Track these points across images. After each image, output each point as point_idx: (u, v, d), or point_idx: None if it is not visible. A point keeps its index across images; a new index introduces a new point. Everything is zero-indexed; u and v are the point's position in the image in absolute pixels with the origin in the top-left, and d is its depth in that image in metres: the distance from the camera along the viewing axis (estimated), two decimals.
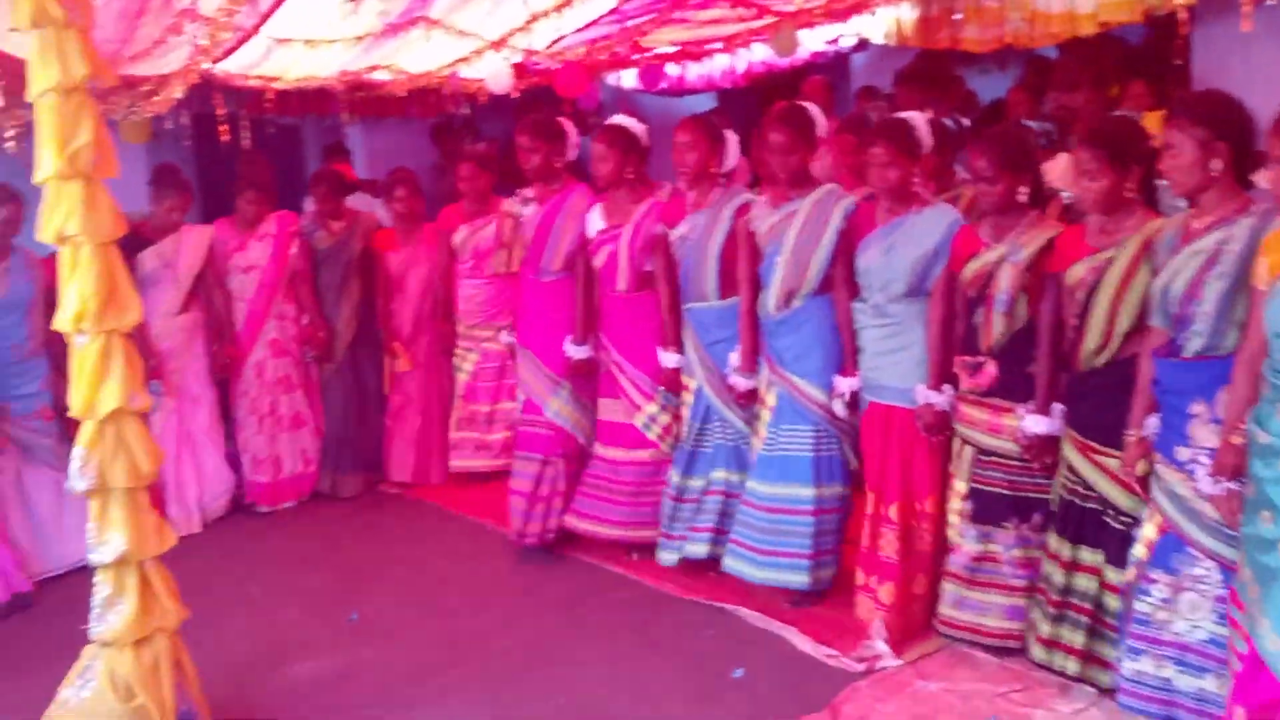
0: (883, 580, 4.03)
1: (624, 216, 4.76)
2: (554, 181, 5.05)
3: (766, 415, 4.34)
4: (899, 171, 3.95)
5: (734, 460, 4.53)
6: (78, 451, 3.19)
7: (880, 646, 3.91)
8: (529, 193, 5.14)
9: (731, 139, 4.65)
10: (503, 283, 5.95)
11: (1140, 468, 3.31)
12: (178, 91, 4.99)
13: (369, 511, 6.02)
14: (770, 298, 4.27)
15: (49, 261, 5.13)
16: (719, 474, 4.55)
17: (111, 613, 3.27)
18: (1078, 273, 3.47)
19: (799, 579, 4.22)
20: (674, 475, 4.64)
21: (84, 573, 5.03)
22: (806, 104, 4.48)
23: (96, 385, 3.15)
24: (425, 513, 5.96)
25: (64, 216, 3.10)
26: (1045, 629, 3.59)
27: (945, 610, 3.88)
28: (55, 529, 5.09)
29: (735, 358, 4.44)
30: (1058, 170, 5.07)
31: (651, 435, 4.79)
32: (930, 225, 3.95)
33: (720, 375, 4.51)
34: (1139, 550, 3.26)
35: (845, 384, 4.17)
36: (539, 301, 5.11)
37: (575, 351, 4.96)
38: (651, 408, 4.78)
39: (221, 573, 5.07)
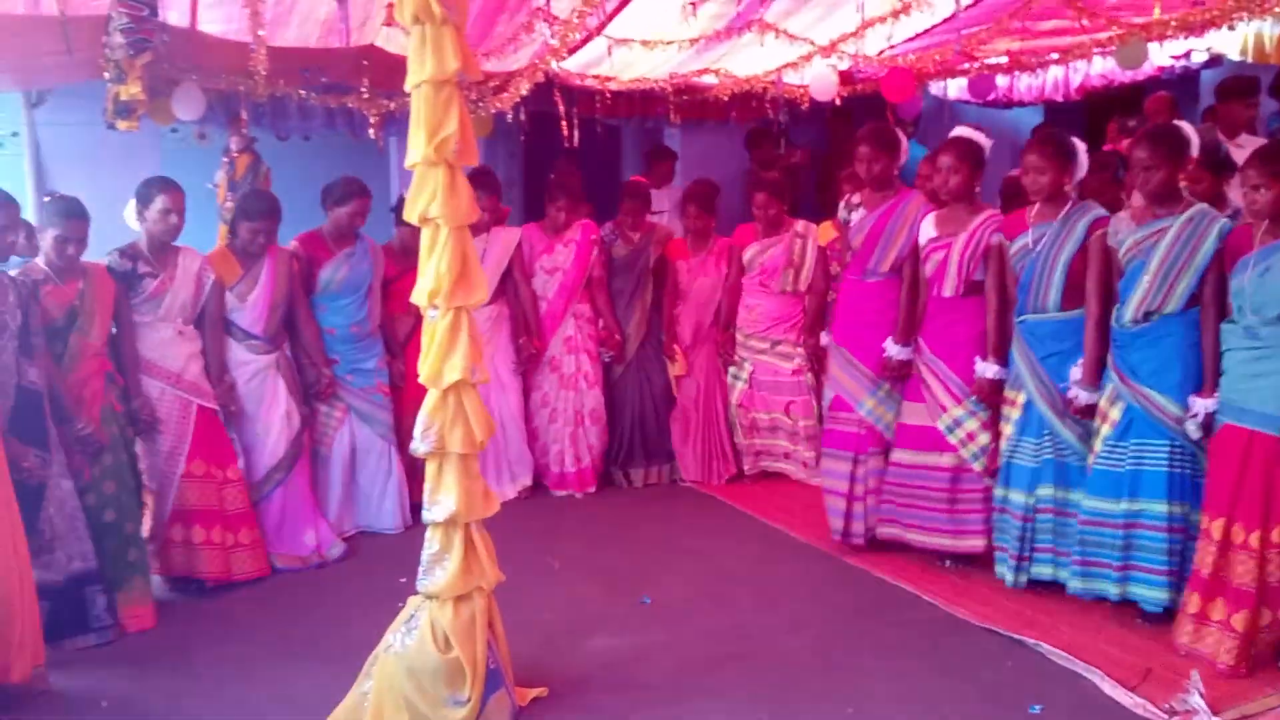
0: (1236, 608, 3.85)
1: (959, 226, 4.79)
2: (887, 188, 5.10)
3: (1106, 429, 4.27)
4: (1271, 195, 3.79)
5: (1061, 476, 4.49)
6: (422, 417, 3.46)
7: (1196, 701, 3.64)
8: (855, 199, 5.17)
9: (1081, 152, 4.55)
10: (786, 299, 6.24)
11: None
12: (524, 88, 5.29)
13: (660, 501, 6.21)
14: (1128, 311, 4.19)
15: (387, 249, 5.65)
16: (1046, 490, 4.51)
17: (438, 568, 3.52)
18: None
19: (1158, 595, 4.18)
20: (996, 487, 4.68)
21: (396, 535, 5.56)
22: (1180, 123, 4.36)
23: (443, 357, 3.41)
24: (714, 507, 6.08)
25: (428, 199, 3.36)
26: None
27: None
28: (375, 493, 5.63)
29: (1077, 371, 4.39)
30: None
31: (953, 439, 4.80)
32: None
33: (1055, 388, 4.46)
34: None
35: (1201, 404, 4.05)
36: (861, 302, 5.17)
37: (896, 352, 5.01)
38: (958, 411, 4.79)
39: (524, 545, 5.33)
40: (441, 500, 3.49)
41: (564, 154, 7.22)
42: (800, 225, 6.25)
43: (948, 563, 4.90)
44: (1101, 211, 4.45)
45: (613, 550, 5.37)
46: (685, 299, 6.45)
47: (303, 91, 5.64)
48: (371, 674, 3.59)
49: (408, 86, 3.37)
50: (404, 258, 5.72)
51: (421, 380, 3.45)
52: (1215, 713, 3.60)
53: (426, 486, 3.52)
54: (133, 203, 4.74)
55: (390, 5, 4.98)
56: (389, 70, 5.55)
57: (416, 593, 3.58)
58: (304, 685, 3.94)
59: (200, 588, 4.86)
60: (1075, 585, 4.37)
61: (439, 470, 3.49)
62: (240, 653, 4.28)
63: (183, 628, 4.54)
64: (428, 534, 3.55)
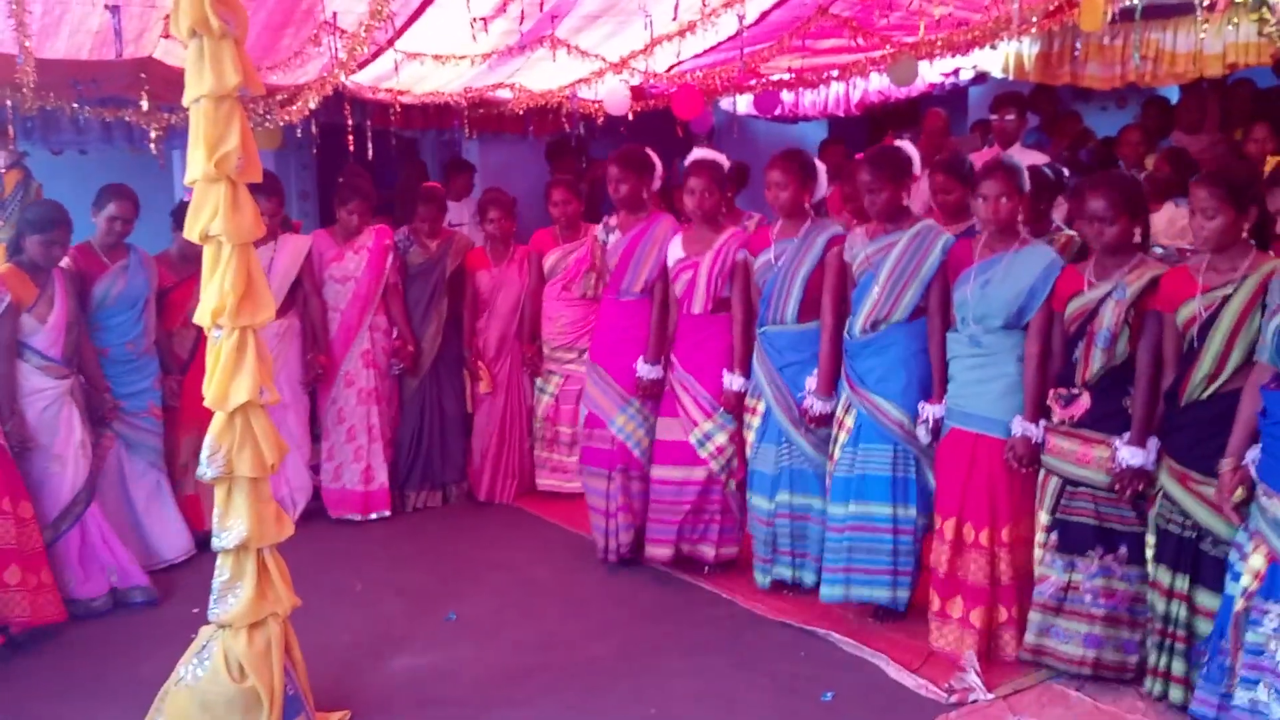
0: (972, 605, 4.08)
1: (704, 245, 4.89)
2: (639, 210, 5.18)
3: (843, 437, 4.44)
4: (1010, 206, 4.05)
5: (797, 483, 4.65)
6: (208, 441, 3.35)
7: (972, 679, 3.89)
8: (613, 220, 5.27)
9: (822, 171, 4.74)
10: (589, 306, 6.05)
11: (1238, 495, 3.37)
12: (312, 101, 5.19)
13: (463, 517, 6.11)
14: (858, 322, 4.38)
15: (163, 258, 5.39)
16: (783, 496, 4.66)
17: (230, 595, 3.43)
18: (1190, 309, 3.55)
19: (879, 594, 4.36)
20: (749, 495, 4.82)
21: (178, 568, 5.26)
22: (901, 143, 4.59)
23: (229, 378, 3.31)
24: (519, 520, 6.07)
25: (209, 216, 3.27)
26: (1154, 659, 3.69)
27: (1031, 638, 3.94)
28: (152, 525, 5.25)
29: (812, 381, 4.56)
30: (1161, 222, 5.00)
31: (703, 453, 4.89)
32: (1030, 263, 4.03)
33: (790, 398, 4.62)
34: (1247, 581, 3.26)
35: (930, 410, 4.26)
36: (616, 321, 5.23)
37: (647, 371, 5.07)
38: (708, 425, 4.90)
39: (323, 567, 5.22)
40: (232, 526, 3.39)
41: (359, 165, 7.10)
42: (599, 229, 6.08)
43: (706, 570, 5.01)
44: (839, 229, 4.63)
45: (416, 569, 5.31)
46: (488, 311, 6.27)
47: (75, 105, 5.37)
48: (163, 709, 3.47)
49: (185, 101, 3.28)
50: (182, 265, 5.42)
51: (207, 403, 3.34)
52: (990, 689, 3.86)
53: (215, 512, 3.41)
54: None
55: (168, 17, 4.81)
56: (168, 83, 5.33)
57: (208, 623, 3.47)
58: None
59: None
60: (825, 592, 4.46)
61: (228, 495, 3.39)
62: (16, 696, 4.04)
63: None
64: (218, 561, 3.44)
